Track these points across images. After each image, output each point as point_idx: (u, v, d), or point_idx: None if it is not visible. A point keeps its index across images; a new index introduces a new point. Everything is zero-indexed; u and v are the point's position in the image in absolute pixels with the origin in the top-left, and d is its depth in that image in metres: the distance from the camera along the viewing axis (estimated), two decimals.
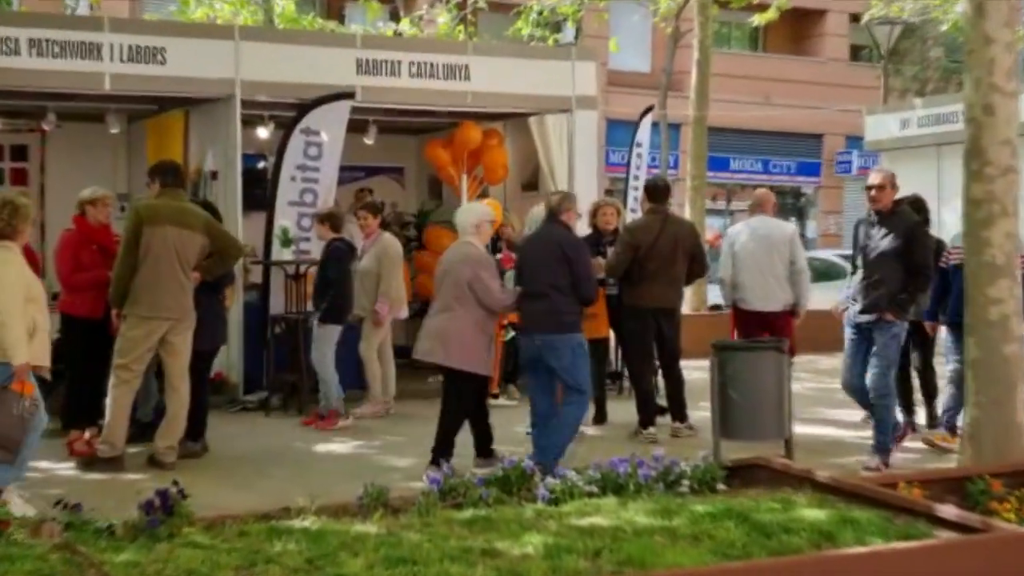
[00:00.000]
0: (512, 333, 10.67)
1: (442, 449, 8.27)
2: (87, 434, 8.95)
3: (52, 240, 10.48)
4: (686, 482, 6.26)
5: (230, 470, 8.67)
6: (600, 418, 10.42)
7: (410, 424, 10.57)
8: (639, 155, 14.87)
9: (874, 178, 8.75)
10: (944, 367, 9.57)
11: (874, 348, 8.58)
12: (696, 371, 10.73)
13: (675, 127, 26.69)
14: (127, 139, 13.70)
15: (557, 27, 23.37)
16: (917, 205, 9.40)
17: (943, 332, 9.64)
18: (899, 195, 8.77)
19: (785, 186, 34.04)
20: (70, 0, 24.30)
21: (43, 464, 7.25)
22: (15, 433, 6.89)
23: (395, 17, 22.62)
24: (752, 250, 10.18)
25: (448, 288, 8.33)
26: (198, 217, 8.86)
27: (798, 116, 32.65)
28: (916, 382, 10.15)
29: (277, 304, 11.72)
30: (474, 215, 8.65)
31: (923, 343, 9.94)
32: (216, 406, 10.17)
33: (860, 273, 8.72)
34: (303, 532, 5.33)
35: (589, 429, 9.65)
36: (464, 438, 8.50)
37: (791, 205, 34.91)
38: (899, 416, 9.24)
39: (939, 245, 9.63)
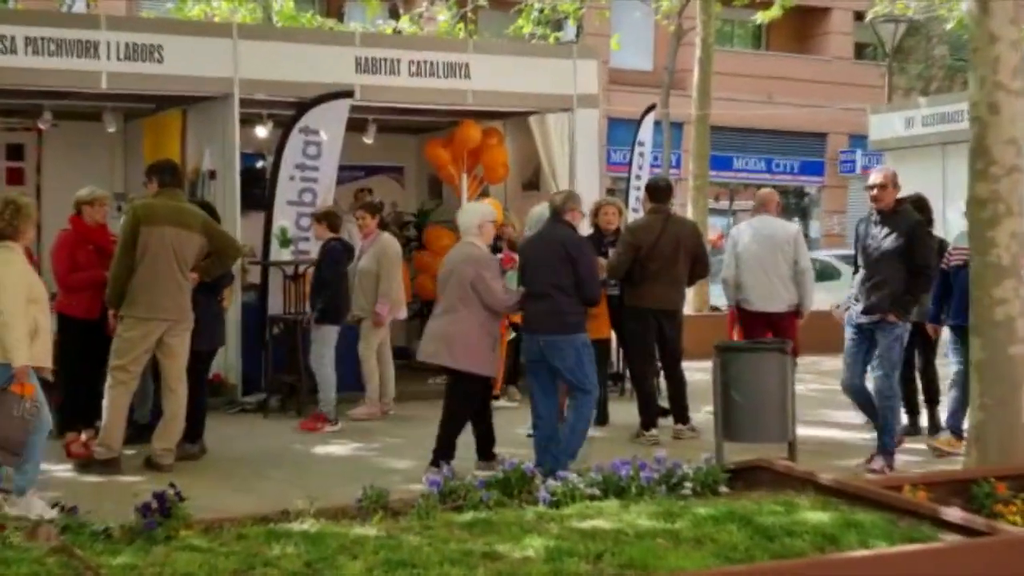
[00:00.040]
0: (514, 334, 10.67)
1: (443, 451, 8.27)
2: (84, 436, 8.95)
3: (48, 240, 10.48)
4: (688, 484, 6.26)
5: (228, 472, 8.67)
6: (601, 420, 10.41)
7: (410, 426, 10.57)
8: (641, 154, 14.88)
9: (875, 177, 8.73)
10: (947, 369, 9.56)
11: (877, 351, 8.57)
12: (698, 372, 10.74)
13: (677, 126, 26.67)
14: (124, 138, 13.71)
15: (558, 25, 23.36)
16: (919, 204, 9.39)
17: (945, 333, 9.63)
18: (902, 194, 8.76)
19: (788, 185, 34.04)
20: None
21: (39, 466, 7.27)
22: (17, 435, 6.90)
23: (394, 15, 22.60)
24: (755, 250, 10.17)
25: (452, 289, 8.33)
26: (196, 217, 8.86)
27: (801, 115, 32.65)
28: (919, 383, 10.15)
29: (276, 305, 11.73)
30: (476, 215, 8.65)
31: (925, 344, 9.93)
32: (214, 407, 10.16)
33: (861, 273, 8.70)
34: (302, 535, 5.33)
35: (591, 431, 9.63)
36: (465, 440, 8.50)
37: (794, 205, 34.91)
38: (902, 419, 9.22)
39: (942, 245, 9.63)
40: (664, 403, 10.36)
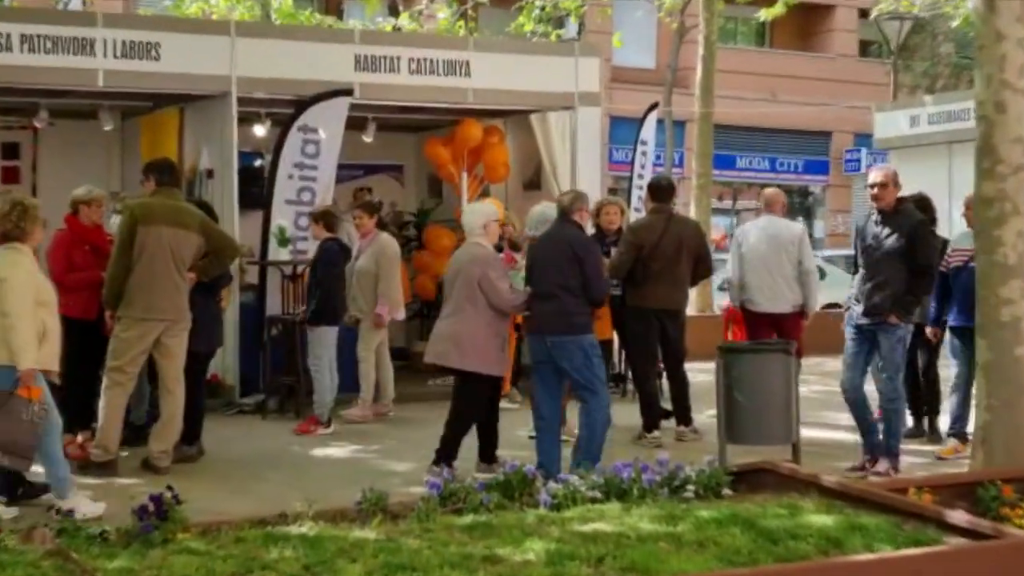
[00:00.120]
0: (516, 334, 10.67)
1: (447, 451, 8.28)
2: (80, 438, 8.96)
3: (44, 240, 10.48)
4: (691, 487, 6.25)
5: (226, 474, 8.67)
6: None
7: (409, 428, 10.57)
8: (644, 153, 14.88)
9: (876, 176, 8.69)
10: (948, 371, 9.55)
11: (880, 353, 8.55)
12: (701, 373, 10.74)
13: (680, 124, 26.69)
14: (121, 137, 13.71)
15: (560, 22, 23.37)
16: (923, 204, 9.38)
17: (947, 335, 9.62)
18: (906, 193, 8.74)
19: (792, 185, 34.03)
20: None
21: (34, 468, 7.26)
22: (26, 439, 6.92)
23: (394, 12, 22.61)
24: (760, 251, 10.16)
25: (459, 290, 8.35)
26: (194, 216, 8.86)
27: (806, 113, 32.64)
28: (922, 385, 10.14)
29: (274, 305, 11.73)
30: (481, 215, 8.67)
31: (927, 346, 9.90)
32: (212, 409, 10.16)
33: (862, 273, 8.66)
34: (300, 538, 5.33)
35: None
36: (466, 441, 8.49)
37: (798, 204, 34.91)
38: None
39: (945, 245, 9.61)
40: (667, 405, 10.36)
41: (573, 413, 8.92)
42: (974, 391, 8.15)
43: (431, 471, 8.01)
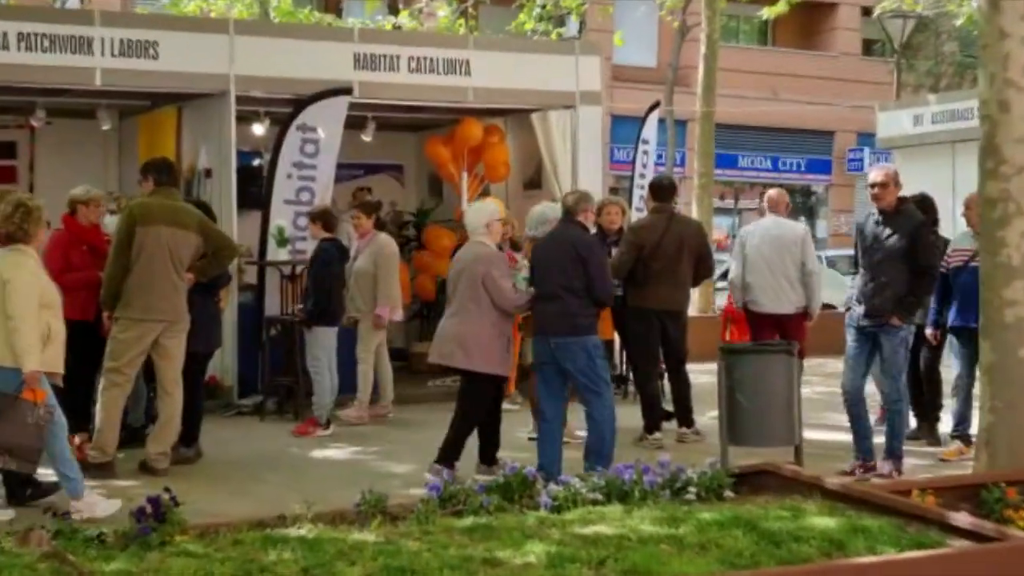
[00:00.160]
0: None
1: (450, 451, 8.28)
2: (77, 439, 8.95)
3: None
4: (693, 489, 6.25)
5: (224, 476, 8.67)
6: None
7: (409, 429, 10.57)
8: (645, 152, 14.88)
9: (876, 175, 8.68)
10: (950, 373, 9.55)
11: (882, 355, 8.55)
12: (703, 375, 10.73)
13: (682, 123, 26.69)
14: (118, 136, 13.72)
15: (560, 21, 23.38)
16: (924, 204, 9.38)
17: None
18: (910, 193, 8.73)
19: (795, 184, 34.03)
20: None
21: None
22: (32, 441, 6.94)
23: (394, 10, 22.62)
24: (764, 251, 10.16)
25: (463, 289, 8.35)
26: (192, 216, 8.86)
27: (808, 112, 32.64)
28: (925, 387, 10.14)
29: (272, 305, 11.74)
30: (484, 215, 8.67)
31: (930, 347, 9.89)
32: (210, 410, 10.16)
33: (863, 274, 8.64)
34: (299, 540, 5.32)
35: None
36: (467, 443, 8.49)
37: (801, 204, 34.89)
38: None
39: (946, 245, 9.61)
40: (668, 406, 10.36)
41: (574, 415, 8.93)
42: (976, 392, 8.15)
43: (433, 469, 8.04)
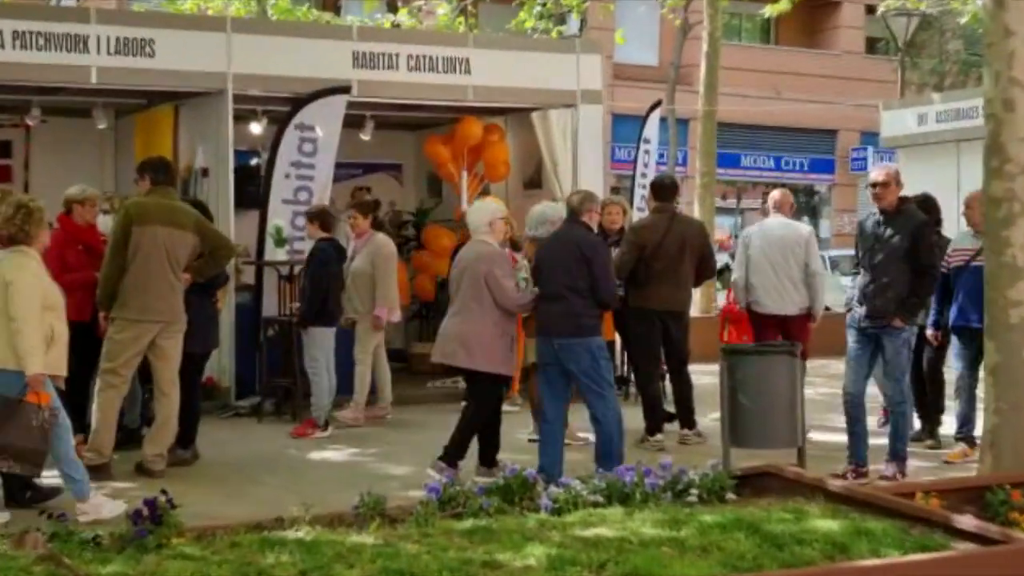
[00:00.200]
0: None
1: (456, 450, 8.31)
2: (73, 441, 8.94)
3: None
4: (694, 491, 6.24)
5: (221, 478, 8.67)
6: None
7: (408, 430, 10.57)
8: (647, 151, 14.87)
9: (877, 175, 8.67)
10: (951, 373, 9.55)
11: (885, 357, 8.55)
12: (705, 376, 10.73)
13: (683, 122, 26.71)
14: (115, 135, 13.72)
15: (561, 19, 23.39)
16: (927, 204, 9.37)
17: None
18: (913, 193, 8.72)
19: (798, 184, 34.04)
20: None
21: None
22: (36, 444, 6.95)
23: (393, 8, 22.64)
24: (767, 252, 10.15)
25: (465, 288, 8.36)
26: (189, 216, 8.86)
27: (811, 111, 32.65)
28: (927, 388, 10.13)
29: (270, 306, 11.73)
30: (486, 213, 8.68)
31: (932, 349, 9.87)
32: (207, 412, 10.16)
33: (864, 275, 8.62)
34: (297, 543, 5.32)
35: (593, 436, 9.64)
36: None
37: (804, 203, 34.90)
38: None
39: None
40: (670, 407, 10.36)
41: (575, 417, 8.93)
42: (980, 394, 8.14)
43: (436, 466, 8.09)
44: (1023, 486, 6.63)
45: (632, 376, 11.31)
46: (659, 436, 9.85)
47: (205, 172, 12.03)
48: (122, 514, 6.84)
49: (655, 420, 9.95)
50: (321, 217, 10.77)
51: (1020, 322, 7.41)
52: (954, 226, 10.61)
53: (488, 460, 8.54)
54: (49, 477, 7.52)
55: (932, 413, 10.03)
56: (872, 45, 36.06)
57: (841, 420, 10.52)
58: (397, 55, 12.37)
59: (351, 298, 10.90)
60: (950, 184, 14.64)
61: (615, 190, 20.38)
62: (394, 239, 12.21)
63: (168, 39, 11.40)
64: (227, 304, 11.04)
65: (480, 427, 8.49)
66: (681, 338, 10.11)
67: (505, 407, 11.09)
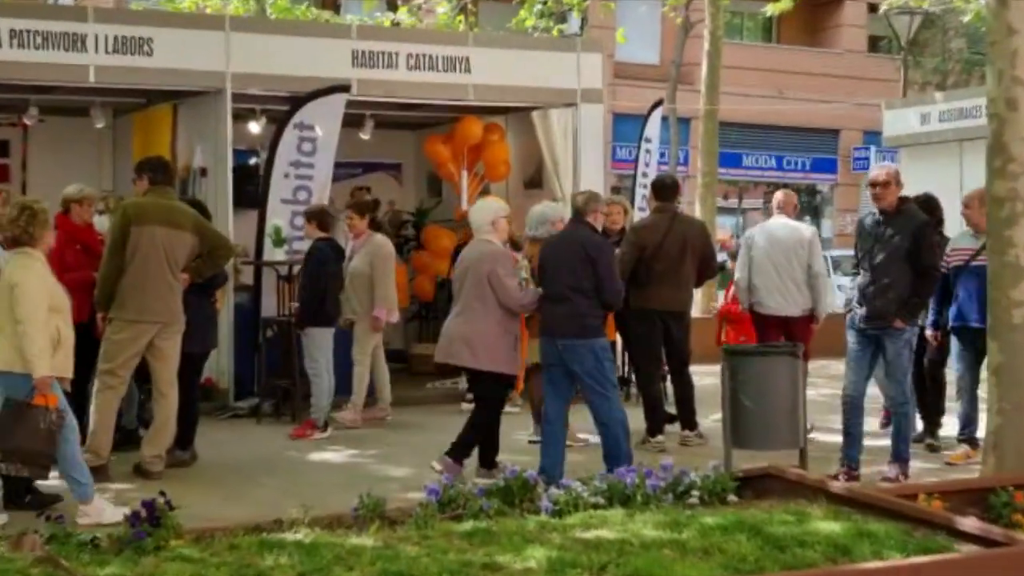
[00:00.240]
0: None
1: (462, 448, 8.35)
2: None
3: None
4: (696, 493, 6.25)
5: (220, 480, 8.67)
6: None
7: (407, 432, 10.57)
8: (648, 151, 14.87)
9: (877, 174, 8.65)
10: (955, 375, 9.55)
11: (886, 358, 8.54)
12: (707, 377, 10.73)
13: (685, 122, 26.71)
14: (112, 134, 13.72)
15: (562, 17, 23.39)
16: (930, 204, 9.37)
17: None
18: (915, 193, 8.72)
19: (800, 183, 34.03)
20: None
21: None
22: (45, 448, 6.95)
23: (392, 7, 22.65)
24: (770, 253, 10.15)
25: (469, 287, 8.37)
26: (187, 216, 8.86)
27: (813, 110, 32.64)
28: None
29: (269, 306, 11.73)
30: (489, 212, 8.68)
31: (933, 349, 9.86)
32: (205, 413, 10.17)
33: (864, 276, 8.60)
34: (296, 545, 5.32)
35: (593, 437, 9.64)
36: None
37: (806, 203, 34.89)
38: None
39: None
40: (671, 408, 10.36)
41: (575, 418, 8.93)
42: (982, 394, 8.14)
43: (442, 460, 8.18)
44: None
45: (633, 377, 11.31)
46: (660, 437, 9.85)
47: (204, 172, 12.03)
48: (122, 520, 6.86)
49: (656, 421, 9.95)
50: (319, 217, 10.75)
51: (1023, 322, 7.41)
52: (956, 226, 10.61)
53: (488, 462, 8.54)
54: (52, 479, 7.51)
55: (932, 414, 10.02)
56: (874, 44, 36.05)
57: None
58: (397, 54, 12.37)
59: (349, 299, 10.88)
60: (953, 184, 14.64)
61: (616, 190, 20.38)
62: (393, 239, 12.21)
63: (166, 38, 11.40)
64: (226, 304, 11.03)
65: (487, 426, 8.49)
66: (682, 339, 10.11)
67: (505, 408, 11.14)
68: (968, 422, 9.37)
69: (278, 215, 11.73)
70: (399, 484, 8.25)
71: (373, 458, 9.62)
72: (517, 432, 9.70)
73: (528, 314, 8.73)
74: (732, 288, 11.21)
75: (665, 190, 10.29)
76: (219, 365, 11.31)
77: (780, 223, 10.35)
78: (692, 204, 18.90)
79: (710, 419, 10.16)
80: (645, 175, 14.54)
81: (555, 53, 13.46)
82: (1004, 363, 7.47)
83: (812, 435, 9.63)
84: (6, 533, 5.58)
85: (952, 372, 9.70)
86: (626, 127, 25.53)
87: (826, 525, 5.69)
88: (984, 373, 8.21)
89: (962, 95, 18.45)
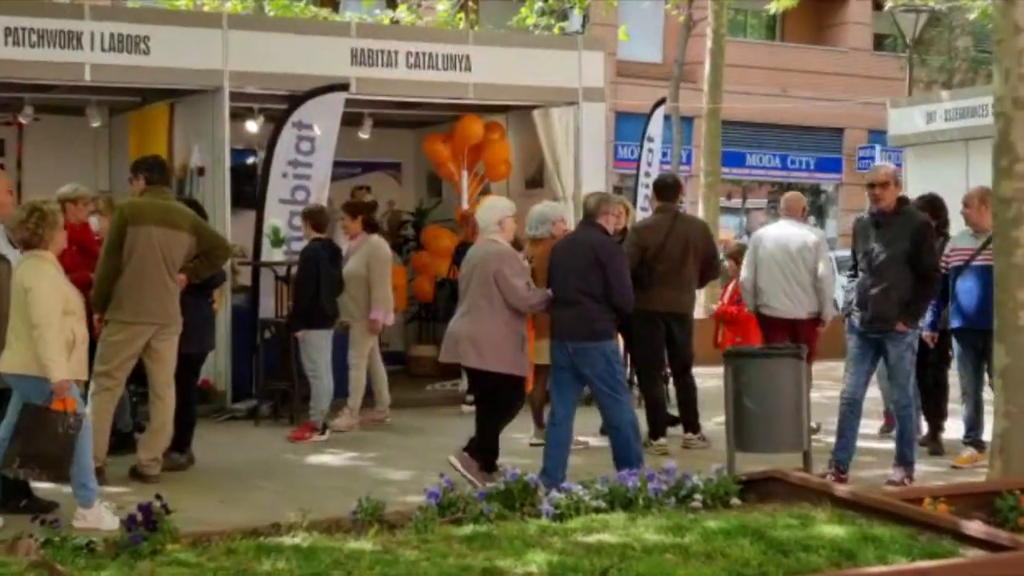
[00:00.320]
0: None
1: (485, 455, 8.36)
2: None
3: None
4: (698, 497, 6.25)
5: (217, 483, 8.67)
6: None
7: (406, 434, 10.57)
8: (650, 150, 14.88)
9: (876, 175, 8.62)
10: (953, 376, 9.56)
11: (889, 362, 8.53)
12: (709, 379, 10.73)
13: (688, 120, 26.70)
14: (109, 133, 13.73)
15: (563, 15, 23.41)
16: (934, 205, 9.35)
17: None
18: (921, 192, 8.70)
19: (804, 183, 33.98)
20: None
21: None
22: (61, 452, 6.95)
23: (392, 5, 22.66)
24: (777, 256, 10.14)
25: (475, 287, 8.36)
26: (185, 216, 8.86)
27: (818, 109, 32.63)
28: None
29: (267, 307, 11.73)
30: (496, 212, 8.67)
31: (937, 354, 9.86)
32: (203, 415, 10.17)
33: (863, 279, 8.59)
34: (294, 549, 5.33)
35: (594, 440, 9.66)
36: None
37: (810, 203, 34.80)
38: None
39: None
40: (673, 411, 10.36)
41: (577, 421, 8.92)
42: (987, 397, 8.13)
43: (459, 454, 8.20)
44: None
45: (635, 379, 11.30)
46: (662, 440, 9.85)
47: (201, 171, 12.03)
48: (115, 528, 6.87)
49: (658, 424, 9.95)
50: (313, 216, 10.73)
51: None
52: (962, 226, 10.61)
53: (488, 465, 8.53)
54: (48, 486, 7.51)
55: (935, 418, 10.02)
56: (880, 42, 36.03)
57: None
58: (396, 52, 12.38)
59: (345, 302, 10.84)
60: (959, 183, 14.61)
61: (618, 189, 20.36)
62: (393, 239, 12.20)
63: (163, 36, 11.41)
64: (223, 305, 11.03)
65: (497, 426, 8.48)
66: (685, 341, 10.10)
67: None
68: (973, 425, 9.37)
69: (276, 215, 11.74)
70: (398, 487, 8.25)
71: (372, 461, 9.62)
72: (518, 435, 9.70)
73: (536, 313, 8.73)
74: (729, 289, 11.22)
75: (667, 190, 10.29)
76: (217, 367, 11.31)
77: (788, 225, 10.34)
78: (695, 204, 18.93)
79: (713, 422, 10.16)
80: (648, 175, 14.54)
81: (556, 51, 13.47)
82: (1011, 365, 7.46)
83: (818, 436, 9.64)
84: (1, 537, 5.58)
85: (956, 375, 9.69)
86: (628, 126, 25.54)
87: (830, 529, 5.69)
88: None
89: (968, 94, 18.45)
